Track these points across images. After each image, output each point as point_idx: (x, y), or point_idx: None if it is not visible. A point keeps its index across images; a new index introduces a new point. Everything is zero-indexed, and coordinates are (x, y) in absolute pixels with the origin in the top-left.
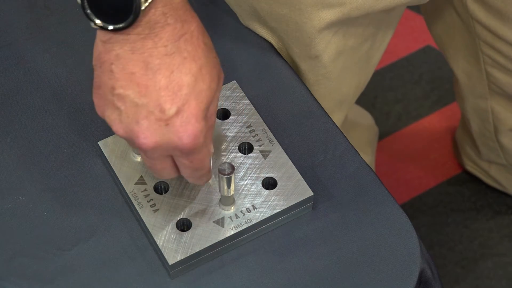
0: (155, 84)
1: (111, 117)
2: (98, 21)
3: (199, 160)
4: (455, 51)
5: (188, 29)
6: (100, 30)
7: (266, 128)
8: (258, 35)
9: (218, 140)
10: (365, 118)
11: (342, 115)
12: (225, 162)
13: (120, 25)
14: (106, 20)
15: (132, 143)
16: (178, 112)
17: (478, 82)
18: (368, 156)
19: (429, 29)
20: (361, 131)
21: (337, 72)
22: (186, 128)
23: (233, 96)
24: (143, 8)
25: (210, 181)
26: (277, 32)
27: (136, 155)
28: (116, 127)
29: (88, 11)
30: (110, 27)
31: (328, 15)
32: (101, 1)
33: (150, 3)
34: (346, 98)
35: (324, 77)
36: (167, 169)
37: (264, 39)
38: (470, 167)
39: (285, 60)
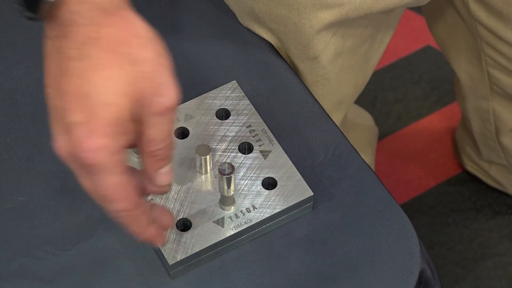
0: (66, 87)
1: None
2: (16, 5)
3: (102, 187)
4: (457, 52)
5: (104, 33)
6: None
7: (266, 128)
8: (257, 35)
9: (218, 140)
10: (365, 118)
11: (341, 115)
12: (225, 162)
13: (30, 14)
14: (25, 6)
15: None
16: (80, 122)
17: (480, 83)
18: (368, 156)
19: (430, 30)
20: (361, 132)
21: (336, 73)
22: (86, 141)
23: (233, 96)
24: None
25: (209, 183)
26: (275, 33)
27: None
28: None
29: None
30: (26, 13)
31: (326, 16)
32: None
33: None
34: (345, 99)
35: (322, 77)
36: (114, 187)
37: (264, 39)
38: (470, 167)
39: (285, 60)
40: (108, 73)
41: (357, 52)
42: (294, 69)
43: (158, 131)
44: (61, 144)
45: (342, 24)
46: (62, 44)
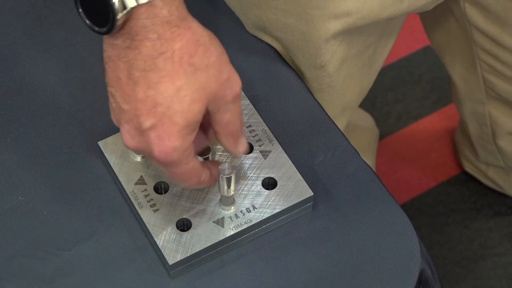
0: (135, 95)
1: (110, 107)
2: (88, 22)
3: (179, 174)
4: (452, 57)
5: (170, 47)
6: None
7: (266, 128)
8: (262, 40)
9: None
10: (366, 120)
11: (345, 121)
12: (225, 162)
13: (102, 30)
14: (93, 22)
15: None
16: (152, 127)
17: (475, 87)
18: (369, 159)
19: (427, 34)
20: (362, 134)
21: (341, 80)
22: (158, 144)
23: None
24: (118, 17)
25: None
26: (282, 41)
27: (136, 155)
28: (113, 117)
29: (80, 10)
30: (96, 29)
31: (334, 26)
32: (89, 3)
33: (129, 13)
34: (350, 105)
35: (328, 85)
36: (189, 174)
37: (267, 44)
38: (469, 169)
39: (286, 62)
40: (177, 84)
41: (362, 58)
42: (300, 76)
43: (233, 114)
44: (132, 142)
45: (348, 32)
46: (130, 55)
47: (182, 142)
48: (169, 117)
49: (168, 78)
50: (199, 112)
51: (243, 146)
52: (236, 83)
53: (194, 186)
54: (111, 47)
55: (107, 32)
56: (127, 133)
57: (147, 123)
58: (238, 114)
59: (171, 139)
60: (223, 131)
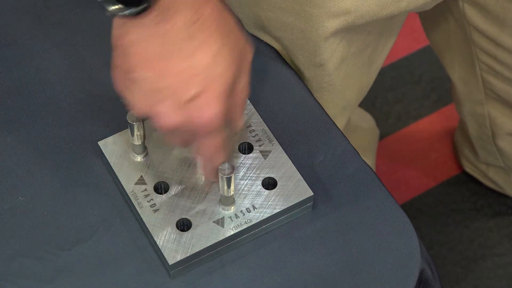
0: (172, 68)
1: (129, 97)
2: (113, 7)
3: (216, 145)
4: (451, 58)
5: (201, 14)
6: (117, 16)
7: (266, 128)
8: (261, 40)
9: None
10: (366, 120)
11: (345, 120)
12: (225, 162)
13: (138, 8)
14: (125, 3)
15: (153, 124)
16: (195, 96)
17: (475, 88)
18: (369, 159)
19: (426, 35)
20: (362, 134)
21: (341, 79)
22: (204, 112)
23: None
24: None
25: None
26: (281, 40)
27: (136, 155)
28: (134, 105)
29: None
30: (127, 12)
31: (333, 24)
32: None
33: None
34: (349, 104)
35: (328, 84)
36: (219, 147)
37: (267, 44)
38: (469, 169)
39: (286, 63)
40: (213, 49)
41: (361, 57)
42: (299, 76)
43: (246, 81)
44: (173, 119)
45: (348, 31)
46: (162, 31)
47: (222, 107)
48: (209, 84)
49: (203, 46)
50: (234, 75)
51: (241, 121)
52: (250, 49)
53: (224, 159)
54: (139, 28)
55: (143, 11)
56: (166, 112)
57: (188, 94)
58: (249, 81)
59: (212, 106)
60: (235, 99)
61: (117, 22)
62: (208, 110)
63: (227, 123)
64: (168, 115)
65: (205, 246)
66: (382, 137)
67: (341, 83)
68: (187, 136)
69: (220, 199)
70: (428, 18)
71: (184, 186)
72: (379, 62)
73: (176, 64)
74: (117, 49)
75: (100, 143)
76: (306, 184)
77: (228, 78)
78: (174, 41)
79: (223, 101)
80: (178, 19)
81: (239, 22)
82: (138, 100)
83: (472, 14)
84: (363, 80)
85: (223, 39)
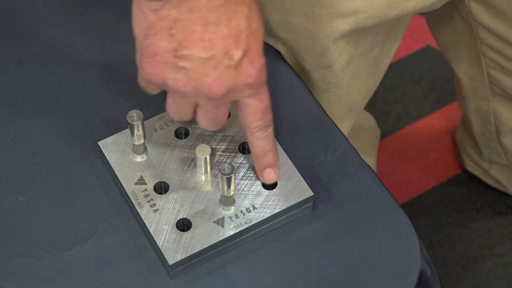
0: (218, 35)
1: (176, 78)
2: None
3: (264, 98)
4: (457, 54)
5: None
6: (151, 0)
7: None
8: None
9: (218, 140)
10: (367, 120)
11: (351, 122)
12: (225, 162)
13: None
14: None
15: (202, 96)
16: (244, 54)
17: (480, 84)
18: (371, 159)
19: (431, 31)
20: (364, 134)
21: (347, 80)
22: (254, 66)
23: None
24: None
25: (209, 183)
26: (287, 42)
27: (136, 155)
28: (182, 85)
29: None
30: None
31: (342, 25)
32: None
33: None
34: (356, 105)
35: (334, 85)
36: (225, 115)
37: (270, 46)
38: (470, 167)
39: (285, 61)
40: (246, 10)
41: (368, 58)
42: (305, 77)
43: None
44: (225, 83)
45: (356, 32)
46: (202, 3)
47: (264, 59)
48: (254, 36)
49: (240, 2)
50: (264, 28)
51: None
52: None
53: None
54: (177, 6)
55: None
56: (218, 80)
57: (239, 53)
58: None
59: (260, 56)
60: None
61: (151, 8)
62: (257, 64)
63: None
64: (219, 81)
65: (205, 246)
66: (382, 137)
67: (347, 84)
68: (228, 103)
69: (220, 199)
70: (434, 15)
71: (184, 186)
72: (385, 63)
73: (221, 29)
74: (156, 34)
75: (100, 143)
76: (306, 184)
77: (262, 32)
78: (215, 8)
79: (263, 54)
80: None
81: None
82: (187, 77)
83: (478, 11)
84: (369, 81)
85: (250, 3)
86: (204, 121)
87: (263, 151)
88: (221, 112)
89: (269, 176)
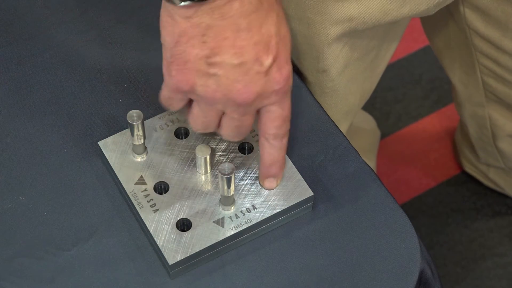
0: (249, 42)
1: (206, 85)
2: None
3: (286, 106)
4: (452, 60)
5: None
6: (183, 7)
7: None
8: None
9: (218, 140)
10: (367, 122)
11: (348, 124)
12: (225, 162)
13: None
14: None
15: (231, 103)
16: (273, 61)
17: (475, 90)
18: (370, 161)
19: (427, 38)
20: (363, 136)
21: (344, 84)
22: (281, 73)
23: None
24: None
25: (209, 183)
26: None
27: (136, 155)
28: (212, 92)
29: None
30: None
31: (336, 31)
32: None
33: None
34: (352, 108)
35: (331, 89)
36: (250, 124)
37: None
38: (469, 169)
39: None
40: (275, 16)
41: (364, 62)
42: (299, 77)
43: None
44: (255, 89)
45: (350, 36)
46: (233, 9)
47: (291, 66)
48: (283, 43)
49: (270, 9)
50: (290, 35)
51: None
52: None
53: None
54: (210, 13)
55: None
56: (247, 85)
57: (269, 60)
58: None
59: (288, 62)
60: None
61: (184, 15)
62: (284, 71)
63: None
64: (248, 87)
65: (205, 246)
66: (382, 137)
67: (344, 88)
68: (255, 111)
69: (220, 199)
70: (429, 22)
71: (184, 186)
72: (382, 66)
73: (252, 36)
74: (188, 41)
75: (100, 143)
76: (306, 184)
77: (290, 39)
78: (247, 14)
79: (290, 61)
80: None
81: None
82: (217, 84)
83: (473, 18)
84: (365, 84)
85: (278, 6)
86: (229, 131)
87: (273, 160)
88: (247, 120)
89: (270, 185)
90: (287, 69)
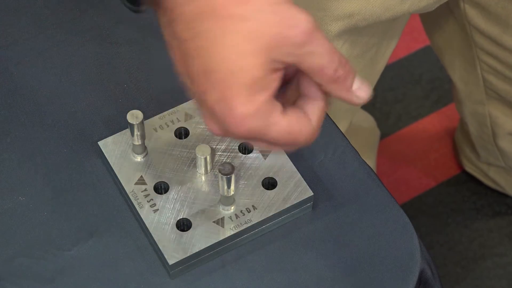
0: (191, 70)
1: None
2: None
3: (274, 139)
4: (452, 58)
5: (206, 5)
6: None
7: None
8: None
9: (218, 140)
10: (367, 122)
11: (347, 122)
12: (225, 162)
13: (132, 6)
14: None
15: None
16: (219, 98)
17: (475, 88)
18: (370, 161)
19: (427, 35)
20: (363, 135)
21: None
22: (231, 116)
23: None
24: None
25: (209, 183)
26: None
27: (136, 155)
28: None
29: None
30: (130, 7)
31: (336, 27)
32: None
33: None
34: (352, 107)
35: None
36: None
37: None
38: (469, 169)
39: None
40: (226, 40)
41: (364, 59)
42: None
43: (321, 56)
44: (212, 127)
45: (351, 33)
46: (174, 29)
47: (255, 105)
48: (231, 80)
49: (217, 38)
50: (260, 64)
51: (361, 91)
52: (301, 19)
53: (307, 143)
54: (163, 27)
55: (138, 10)
56: (205, 120)
57: (211, 96)
58: (327, 54)
59: (240, 105)
60: (323, 80)
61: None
62: (233, 114)
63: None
64: (206, 122)
65: (205, 246)
66: (382, 137)
67: None
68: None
69: (220, 199)
70: (429, 19)
71: (184, 186)
72: (382, 63)
73: (192, 64)
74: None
75: (100, 143)
76: (306, 184)
77: (251, 69)
78: (185, 40)
79: (252, 99)
80: (181, 16)
81: None
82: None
83: (473, 15)
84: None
85: (235, 25)
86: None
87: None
88: (268, 139)
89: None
90: (244, 110)
